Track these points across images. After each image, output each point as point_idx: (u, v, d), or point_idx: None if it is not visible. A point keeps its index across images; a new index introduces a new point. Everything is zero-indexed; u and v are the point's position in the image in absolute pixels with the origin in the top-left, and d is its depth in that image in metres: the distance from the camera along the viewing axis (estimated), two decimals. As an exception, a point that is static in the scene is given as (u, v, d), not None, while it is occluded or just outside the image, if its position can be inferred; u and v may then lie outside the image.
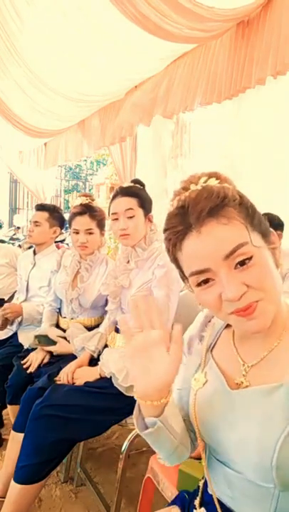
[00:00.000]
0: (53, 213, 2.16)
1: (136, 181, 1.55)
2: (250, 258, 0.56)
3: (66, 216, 2.14)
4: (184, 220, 0.59)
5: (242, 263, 0.56)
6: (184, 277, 0.65)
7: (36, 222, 2.12)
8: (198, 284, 0.60)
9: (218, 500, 0.68)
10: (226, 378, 0.66)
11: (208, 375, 0.70)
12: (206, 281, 0.59)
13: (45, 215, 2.13)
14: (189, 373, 0.75)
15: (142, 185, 1.55)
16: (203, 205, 0.57)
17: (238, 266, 0.56)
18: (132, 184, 1.53)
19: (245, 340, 0.67)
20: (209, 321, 0.78)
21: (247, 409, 0.60)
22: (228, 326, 0.74)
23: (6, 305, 2.02)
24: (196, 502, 0.75)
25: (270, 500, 0.59)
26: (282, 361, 0.60)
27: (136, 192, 1.47)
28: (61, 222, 2.21)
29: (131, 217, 1.43)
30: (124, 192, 1.47)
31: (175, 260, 0.64)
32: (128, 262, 1.49)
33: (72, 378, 1.44)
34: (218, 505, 0.67)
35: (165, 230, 0.63)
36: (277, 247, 0.63)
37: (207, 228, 0.57)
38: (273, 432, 0.55)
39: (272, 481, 0.55)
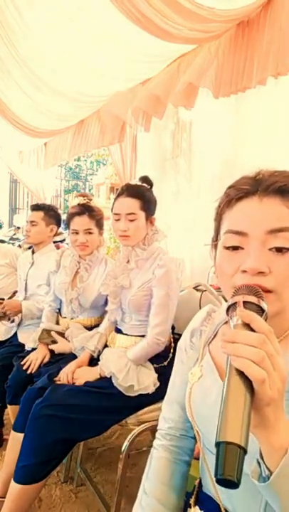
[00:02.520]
0: (48, 212, 2.19)
1: (144, 179, 1.54)
2: (288, 249, 0.55)
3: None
4: (254, 184, 0.59)
5: (279, 249, 0.55)
6: (215, 238, 0.65)
7: (32, 222, 2.14)
8: (227, 247, 0.59)
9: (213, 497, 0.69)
10: (220, 371, 0.67)
11: (203, 369, 0.71)
12: (235, 247, 0.58)
13: (41, 214, 2.16)
14: (187, 368, 0.76)
15: (150, 183, 1.53)
16: (279, 180, 0.58)
17: (274, 250, 0.56)
18: (139, 184, 1.52)
19: None
20: (210, 316, 0.79)
21: None
22: (227, 321, 0.75)
23: (4, 302, 2.03)
24: (191, 501, 0.75)
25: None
26: None
27: (141, 193, 1.45)
28: (57, 220, 2.23)
29: (132, 220, 1.43)
30: (129, 192, 1.45)
31: (218, 218, 0.65)
32: (128, 261, 1.49)
33: (72, 378, 1.44)
34: (217, 498, 0.67)
35: (230, 187, 0.63)
36: None
37: (270, 200, 0.57)
38: None
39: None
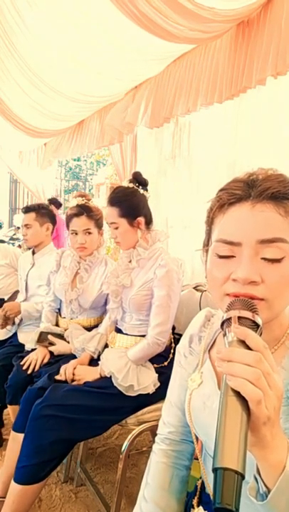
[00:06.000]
0: (40, 211, 2.18)
1: (135, 175, 1.54)
2: (281, 259, 0.54)
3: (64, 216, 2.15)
4: (246, 189, 0.57)
5: (271, 260, 0.54)
6: (207, 242, 0.64)
7: (27, 225, 2.15)
8: (219, 255, 0.58)
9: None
10: (220, 379, 0.66)
11: (203, 376, 0.70)
12: (226, 256, 0.57)
13: (33, 215, 2.16)
14: (187, 373, 0.76)
15: (141, 181, 1.53)
16: (272, 185, 0.56)
17: (266, 260, 0.55)
18: (119, 188, 1.53)
19: None
20: (208, 321, 0.79)
21: None
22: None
23: (4, 305, 2.04)
24: (194, 501, 0.75)
25: None
26: None
27: (117, 201, 1.48)
28: (51, 218, 2.23)
29: (116, 228, 1.47)
30: (109, 201, 1.49)
31: (210, 222, 0.63)
32: (130, 261, 1.49)
33: (73, 375, 1.44)
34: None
35: (221, 189, 0.62)
36: None
37: (262, 207, 0.55)
38: None
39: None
